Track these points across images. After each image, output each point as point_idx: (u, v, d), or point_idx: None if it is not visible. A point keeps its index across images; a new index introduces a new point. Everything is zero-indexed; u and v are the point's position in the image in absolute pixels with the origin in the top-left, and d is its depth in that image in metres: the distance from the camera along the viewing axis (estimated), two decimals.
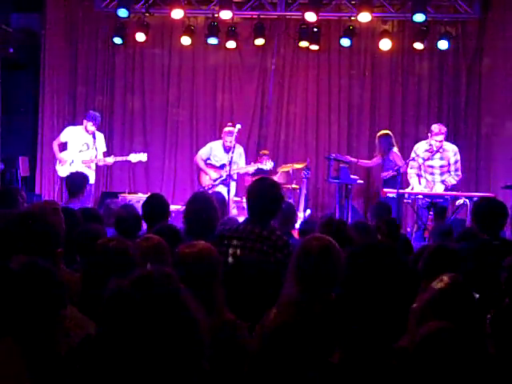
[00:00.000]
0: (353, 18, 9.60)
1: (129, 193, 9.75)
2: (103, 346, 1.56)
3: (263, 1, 10.02)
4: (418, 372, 1.94)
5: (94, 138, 8.51)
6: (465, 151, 9.18)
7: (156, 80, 10.76)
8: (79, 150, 8.51)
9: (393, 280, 1.76)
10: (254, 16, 10.06)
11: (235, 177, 8.79)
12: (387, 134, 8.94)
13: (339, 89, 10.47)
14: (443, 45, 9.57)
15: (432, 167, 8.06)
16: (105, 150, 8.81)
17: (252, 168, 8.86)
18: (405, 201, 8.24)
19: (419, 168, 8.12)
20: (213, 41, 10.00)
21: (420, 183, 8.10)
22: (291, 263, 2.95)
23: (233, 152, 8.26)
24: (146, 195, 7.56)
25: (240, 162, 8.78)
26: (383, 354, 1.75)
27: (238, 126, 8.35)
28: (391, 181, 8.32)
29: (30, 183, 10.32)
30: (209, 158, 8.86)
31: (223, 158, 8.64)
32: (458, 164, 8.08)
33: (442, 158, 8.03)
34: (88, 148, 8.51)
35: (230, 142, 8.36)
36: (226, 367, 2.18)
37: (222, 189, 8.24)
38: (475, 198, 7.24)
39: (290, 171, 9.39)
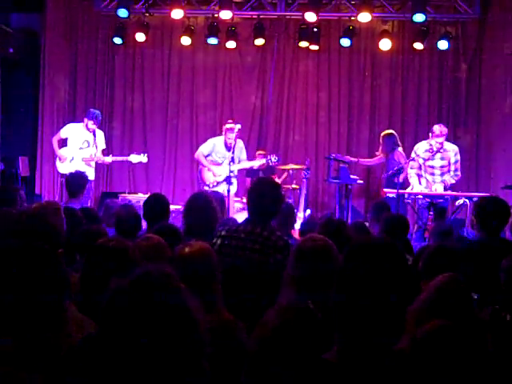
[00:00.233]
0: (353, 18, 9.60)
1: (129, 193, 9.76)
2: (103, 346, 1.56)
3: (263, 1, 10.02)
4: (417, 371, 1.94)
5: (95, 135, 8.52)
6: (465, 151, 9.18)
7: (156, 80, 10.77)
8: (79, 146, 8.51)
9: (392, 278, 1.76)
10: (254, 16, 10.07)
11: (236, 172, 8.53)
12: (391, 133, 8.92)
13: (339, 89, 10.48)
14: (443, 45, 9.57)
15: (433, 167, 8.06)
16: (104, 147, 8.81)
17: (258, 163, 8.72)
18: (405, 201, 8.23)
19: (419, 168, 8.12)
20: (213, 41, 10.00)
21: (420, 183, 8.10)
22: (288, 264, 2.95)
23: (233, 152, 8.20)
24: (146, 195, 7.58)
25: (242, 157, 8.62)
26: (380, 353, 1.75)
27: (238, 126, 8.25)
28: (393, 180, 8.29)
29: (30, 183, 10.32)
30: (210, 155, 8.61)
31: (226, 155, 8.41)
32: (458, 164, 8.08)
33: (442, 158, 8.04)
34: (88, 145, 8.51)
35: (232, 138, 8.21)
36: (224, 367, 2.17)
37: (224, 187, 8.06)
38: (475, 198, 7.24)
39: (290, 172, 9.40)
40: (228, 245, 3.89)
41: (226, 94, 10.70)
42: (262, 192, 3.97)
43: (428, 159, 8.04)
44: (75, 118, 10.08)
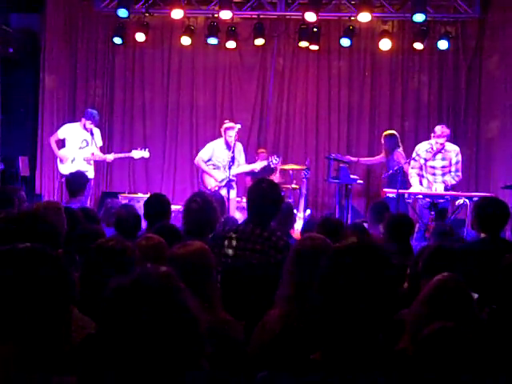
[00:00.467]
0: (353, 18, 9.60)
1: (129, 193, 9.77)
2: (103, 346, 1.56)
3: (263, 1, 10.03)
4: (419, 372, 1.94)
5: (92, 134, 8.54)
6: (465, 151, 9.18)
7: (156, 80, 10.77)
8: (79, 146, 8.52)
9: (370, 281, 1.75)
10: (254, 16, 10.07)
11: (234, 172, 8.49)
12: (393, 134, 8.94)
13: (339, 89, 10.48)
14: (443, 45, 9.58)
15: (434, 168, 8.06)
16: (101, 144, 8.82)
17: (259, 165, 8.59)
18: (405, 201, 8.23)
19: (420, 168, 8.12)
20: (213, 41, 10.01)
21: (421, 183, 8.10)
22: (286, 263, 2.95)
23: (233, 152, 8.17)
24: (146, 195, 7.58)
25: (240, 160, 8.59)
26: (367, 350, 1.75)
27: (238, 126, 8.22)
28: (394, 180, 8.29)
29: (30, 183, 10.32)
30: (210, 160, 8.45)
31: (226, 158, 8.26)
32: (459, 165, 8.07)
33: (443, 159, 8.03)
34: (87, 144, 8.54)
35: (233, 136, 8.10)
36: (221, 366, 2.18)
37: (226, 190, 8.01)
38: (475, 198, 7.24)
39: (290, 172, 9.40)
40: (228, 245, 3.89)
41: (226, 94, 10.70)
42: (262, 193, 3.97)
43: (429, 159, 8.04)
44: (75, 118, 10.08)
